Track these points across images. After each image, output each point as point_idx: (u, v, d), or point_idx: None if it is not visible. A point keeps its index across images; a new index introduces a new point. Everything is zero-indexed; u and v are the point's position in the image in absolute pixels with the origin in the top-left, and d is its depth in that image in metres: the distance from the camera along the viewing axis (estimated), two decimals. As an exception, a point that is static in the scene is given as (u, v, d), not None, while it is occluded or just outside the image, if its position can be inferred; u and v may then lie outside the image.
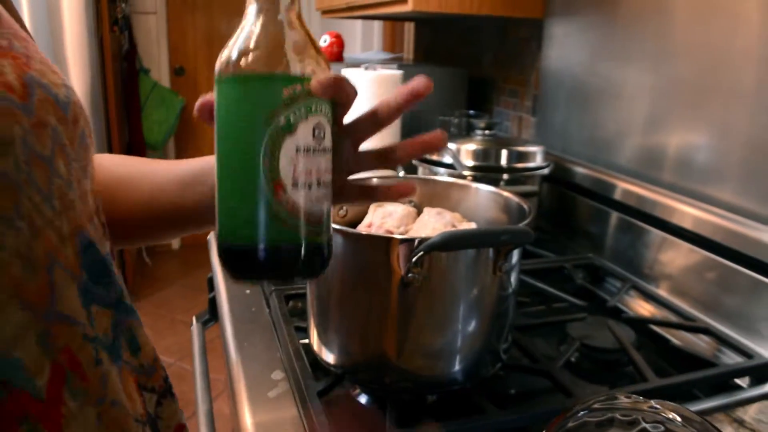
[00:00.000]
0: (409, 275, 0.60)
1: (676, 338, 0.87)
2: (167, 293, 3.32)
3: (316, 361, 0.73)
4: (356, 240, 0.65)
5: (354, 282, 0.66)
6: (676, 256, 0.97)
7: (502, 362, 0.71)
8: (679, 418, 0.46)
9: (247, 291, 0.96)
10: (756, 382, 0.75)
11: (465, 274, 0.64)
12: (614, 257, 1.10)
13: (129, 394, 0.43)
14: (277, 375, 0.75)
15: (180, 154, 3.64)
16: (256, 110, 0.42)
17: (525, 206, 0.72)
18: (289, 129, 0.42)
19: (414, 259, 0.59)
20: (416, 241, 0.59)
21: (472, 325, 0.67)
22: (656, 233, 1.01)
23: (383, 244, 0.62)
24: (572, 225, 1.25)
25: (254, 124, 0.42)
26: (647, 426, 0.47)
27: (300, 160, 0.42)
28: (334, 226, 0.65)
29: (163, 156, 3.61)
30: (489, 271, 0.64)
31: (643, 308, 0.97)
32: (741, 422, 0.68)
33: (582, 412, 0.45)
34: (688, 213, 0.95)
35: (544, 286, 0.98)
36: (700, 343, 0.86)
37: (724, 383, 0.75)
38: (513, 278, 0.69)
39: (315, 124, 0.43)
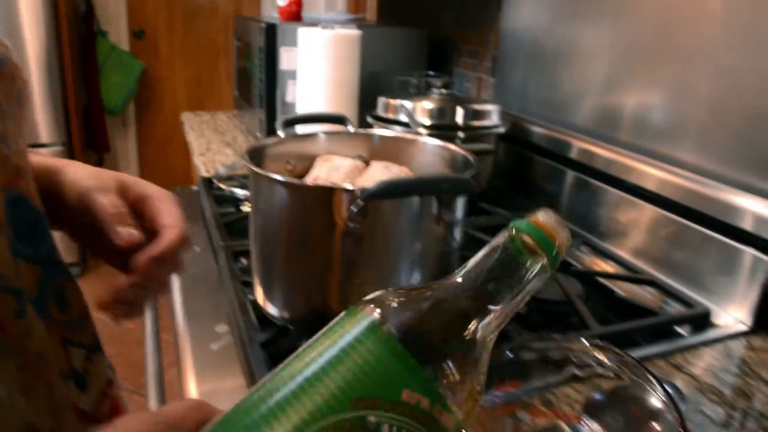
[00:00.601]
0: (351, 225, 0.60)
1: (623, 290, 0.88)
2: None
3: (264, 317, 0.72)
4: (297, 190, 0.64)
5: (297, 234, 0.66)
6: (629, 214, 0.98)
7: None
8: (606, 361, 0.46)
9: (197, 248, 0.95)
10: (695, 330, 0.77)
11: (408, 226, 0.64)
12: (569, 216, 1.11)
13: (54, 348, 0.43)
14: (222, 328, 0.75)
15: (140, 119, 3.58)
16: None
17: (471, 158, 0.72)
18: None
19: (355, 209, 0.59)
20: (357, 191, 0.59)
21: (416, 278, 0.67)
22: (611, 192, 1.02)
23: (324, 194, 0.61)
24: (529, 184, 1.25)
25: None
26: (575, 371, 0.48)
27: None
28: (277, 176, 0.64)
29: (124, 120, 3.54)
30: (432, 223, 0.64)
31: (594, 263, 0.98)
32: (679, 367, 0.69)
33: (510, 352, 0.46)
34: (643, 172, 0.95)
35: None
36: (646, 296, 0.88)
37: (665, 331, 0.77)
38: (458, 231, 0.69)
39: None
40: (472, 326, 0.33)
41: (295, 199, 0.64)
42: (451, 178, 0.64)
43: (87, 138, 3.20)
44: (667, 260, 0.90)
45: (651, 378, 0.43)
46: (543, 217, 0.35)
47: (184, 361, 0.69)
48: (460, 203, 0.67)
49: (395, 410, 0.29)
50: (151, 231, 0.50)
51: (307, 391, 0.29)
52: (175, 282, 0.86)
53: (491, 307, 0.34)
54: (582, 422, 0.54)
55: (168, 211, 0.50)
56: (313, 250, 0.65)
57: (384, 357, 0.30)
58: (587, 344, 0.46)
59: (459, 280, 0.34)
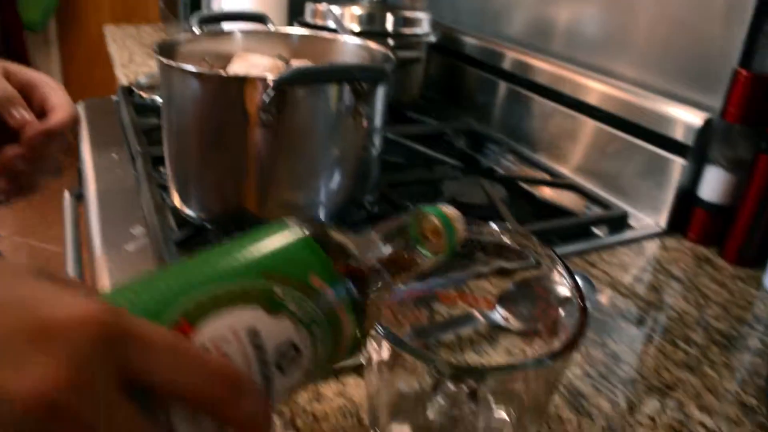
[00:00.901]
0: (264, 117, 0.58)
1: (546, 195, 0.89)
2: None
3: (181, 219, 0.70)
4: (209, 81, 0.61)
5: (210, 130, 0.63)
6: (559, 125, 0.98)
7: (369, 213, 0.70)
8: (514, 245, 0.46)
9: (114, 156, 0.91)
10: (612, 231, 0.78)
11: (324, 120, 0.62)
12: (500, 127, 1.11)
13: None
14: (137, 230, 0.72)
15: (63, 36, 3.39)
16: None
17: (390, 54, 0.70)
18: None
19: (267, 98, 0.56)
20: (269, 79, 0.56)
21: (335, 182, 0.66)
22: (542, 103, 1.02)
23: (237, 84, 0.59)
24: (461, 95, 1.24)
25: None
26: (482, 255, 0.48)
27: None
28: (188, 67, 0.61)
29: (45, 38, 3.35)
30: (349, 116, 0.62)
31: (521, 172, 0.99)
32: (594, 264, 0.71)
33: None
34: (577, 82, 0.95)
35: (422, 148, 0.97)
36: (569, 201, 0.89)
37: (583, 232, 0.78)
38: (377, 134, 0.68)
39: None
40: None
41: (207, 91, 0.61)
42: (365, 66, 0.62)
43: (6, 57, 3.01)
44: (590, 168, 0.91)
45: (556, 259, 0.44)
46: (448, 208, 0.38)
47: (97, 261, 0.67)
48: (379, 99, 0.65)
49: (302, 291, 0.30)
50: (40, 115, 0.48)
51: (221, 257, 0.31)
52: (91, 188, 0.83)
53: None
54: (495, 309, 0.54)
55: (56, 95, 0.49)
56: (227, 146, 0.62)
57: (299, 245, 0.32)
58: (496, 228, 0.46)
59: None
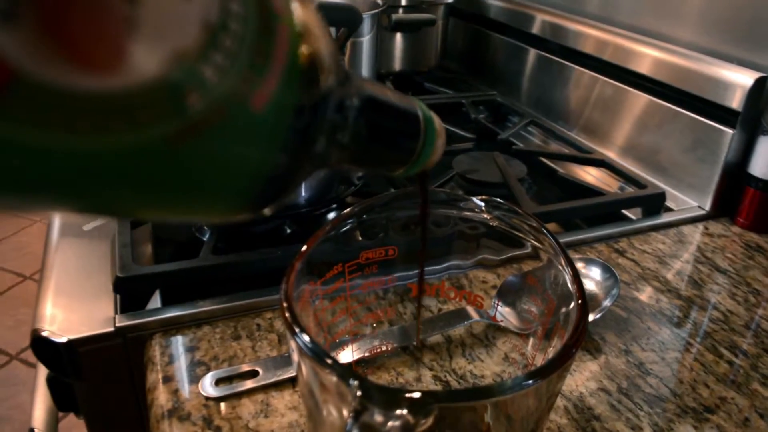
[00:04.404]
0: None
1: (574, 174, 0.78)
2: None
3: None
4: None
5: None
6: (593, 94, 0.86)
7: (355, 186, 0.61)
8: (498, 224, 0.36)
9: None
10: (647, 214, 0.67)
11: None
12: (528, 100, 0.99)
13: None
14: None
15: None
16: None
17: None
18: None
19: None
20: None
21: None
22: (575, 70, 0.90)
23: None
24: (483, 65, 1.13)
25: None
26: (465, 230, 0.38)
27: None
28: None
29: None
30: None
31: (546, 147, 0.88)
32: (622, 252, 0.60)
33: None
34: (615, 45, 0.83)
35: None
36: (600, 180, 0.78)
37: (612, 215, 0.67)
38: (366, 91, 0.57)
39: None
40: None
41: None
42: (331, 4, 0.52)
43: None
44: (627, 143, 0.80)
45: (556, 246, 0.33)
46: (438, 121, 0.31)
47: (50, 238, 0.59)
48: (366, 55, 0.55)
49: None
50: None
51: None
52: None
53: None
54: (493, 305, 0.44)
55: None
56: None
57: None
58: (479, 203, 0.36)
59: None
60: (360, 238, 0.36)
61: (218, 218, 0.22)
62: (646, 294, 0.54)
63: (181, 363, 0.44)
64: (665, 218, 0.66)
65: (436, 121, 0.30)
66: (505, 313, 0.45)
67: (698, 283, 0.56)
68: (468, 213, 0.36)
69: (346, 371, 0.24)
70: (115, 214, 0.19)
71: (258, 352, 0.45)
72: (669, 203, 0.69)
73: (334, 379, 0.24)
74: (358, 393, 0.23)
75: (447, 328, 0.45)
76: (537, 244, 0.36)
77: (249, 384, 0.42)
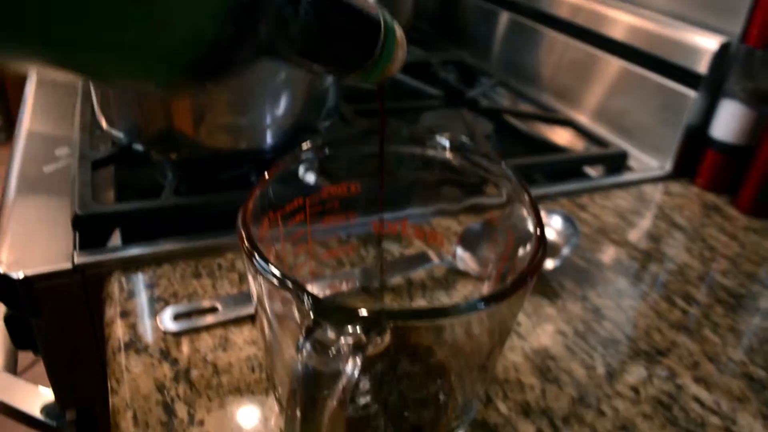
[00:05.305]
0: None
1: (540, 133, 0.78)
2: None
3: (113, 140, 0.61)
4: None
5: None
6: (563, 58, 0.87)
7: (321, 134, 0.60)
8: (464, 163, 0.36)
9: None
10: (609, 172, 0.68)
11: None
12: (499, 63, 0.99)
13: None
14: (62, 151, 0.63)
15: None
16: None
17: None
18: None
19: None
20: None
21: (281, 98, 0.55)
22: (546, 34, 0.90)
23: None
24: (455, 28, 1.12)
25: None
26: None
27: None
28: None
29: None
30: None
31: (513, 106, 0.88)
32: (584, 207, 0.61)
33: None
34: (586, 9, 0.83)
35: (400, 76, 0.86)
36: (565, 140, 0.78)
37: (574, 171, 0.68)
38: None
39: None
40: None
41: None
42: None
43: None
44: (593, 105, 0.80)
45: (519, 187, 0.33)
46: (400, 30, 0.30)
47: (9, 191, 0.58)
48: None
49: None
50: None
51: None
52: (29, 103, 0.74)
53: None
54: (455, 250, 0.45)
55: None
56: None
57: None
58: (442, 142, 0.36)
59: None
60: (322, 174, 0.36)
61: (158, 81, 0.21)
62: (605, 246, 0.55)
63: (140, 299, 0.44)
64: (627, 177, 0.67)
65: (398, 31, 0.29)
66: (465, 258, 0.45)
67: (656, 238, 0.57)
68: (431, 152, 0.37)
69: (301, 288, 0.24)
70: (56, 57, 0.19)
71: (218, 290, 0.45)
72: (632, 164, 0.70)
73: (289, 296, 0.24)
74: (312, 311, 0.23)
75: (408, 271, 0.46)
76: (500, 182, 0.36)
77: (208, 320, 0.42)
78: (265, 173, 0.31)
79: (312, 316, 0.22)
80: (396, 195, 0.40)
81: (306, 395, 0.22)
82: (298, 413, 0.22)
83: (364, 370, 0.22)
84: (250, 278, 0.28)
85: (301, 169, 0.34)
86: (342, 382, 0.21)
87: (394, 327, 0.23)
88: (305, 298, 0.23)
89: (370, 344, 0.22)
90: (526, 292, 0.28)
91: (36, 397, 0.60)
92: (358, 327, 0.22)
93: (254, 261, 0.26)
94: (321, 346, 0.21)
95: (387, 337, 0.23)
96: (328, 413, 0.22)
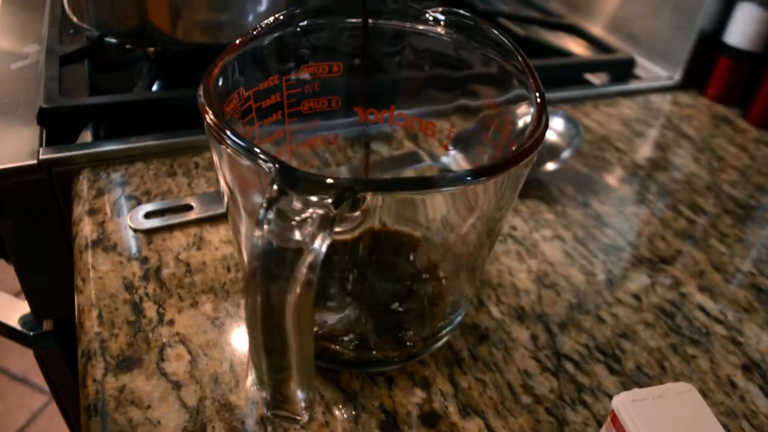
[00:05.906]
0: None
1: (544, 39, 0.74)
2: None
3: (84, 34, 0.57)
4: None
5: None
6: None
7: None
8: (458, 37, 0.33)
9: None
10: (614, 79, 0.64)
11: None
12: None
13: None
14: (31, 48, 0.58)
15: None
16: None
17: None
18: None
19: None
20: None
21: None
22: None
23: None
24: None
25: None
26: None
27: None
28: None
29: None
30: None
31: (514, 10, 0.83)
32: (587, 114, 0.57)
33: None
34: None
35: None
36: (570, 48, 0.74)
37: (577, 78, 0.64)
38: None
39: None
40: None
41: None
42: None
43: None
44: (603, 12, 0.75)
45: (524, 70, 0.30)
46: None
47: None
48: None
49: None
50: None
51: None
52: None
53: None
54: (447, 150, 0.41)
55: None
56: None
57: None
58: (439, 17, 0.32)
59: None
60: (301, 49, 0.32)
61: None
62: (608, 152, 0.52)
63: (110, 197, 0.41)
64: (633, 85, 0.63)
65: None
66: (458, 159, 0.42)
67: (662, 147, 0.54)
68: (421, 26, 0.33)
69: (264, 153, 0.21)
70: None
71: (194, 189, 0.42)
72: (640, 72, 0.66)
73: (251, 164, 0.21)
74: (276, 178, 0.20)
75: (397, 170, 0.43)
76: (501, 62, 0.32)
77: (182, 218, 0.39)
78: (236, 41, 0.28)
79: (276, 186, 0.19)
80: (382, 90, 0.37)
81: (266, 275, 0.19)
82: (259, 298, 0.19)
83: (336, 252, 0.19)
84: (215, 155, 0.24)
85: (278, 41, 0.30)
86: (308, 259, 0.19)
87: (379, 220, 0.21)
88: (269, 164, 0.20)
89: (341, 216, 0.19)
90: (521, 176, 0.25)
91: (14, 307, 0.58)
92: (327, 197, 0.19)
93: (208, 119, 0.22)
94: (285, 218, 0.18)
95: (359, 211, 0.20)
96: (293, 296, 0.19)
